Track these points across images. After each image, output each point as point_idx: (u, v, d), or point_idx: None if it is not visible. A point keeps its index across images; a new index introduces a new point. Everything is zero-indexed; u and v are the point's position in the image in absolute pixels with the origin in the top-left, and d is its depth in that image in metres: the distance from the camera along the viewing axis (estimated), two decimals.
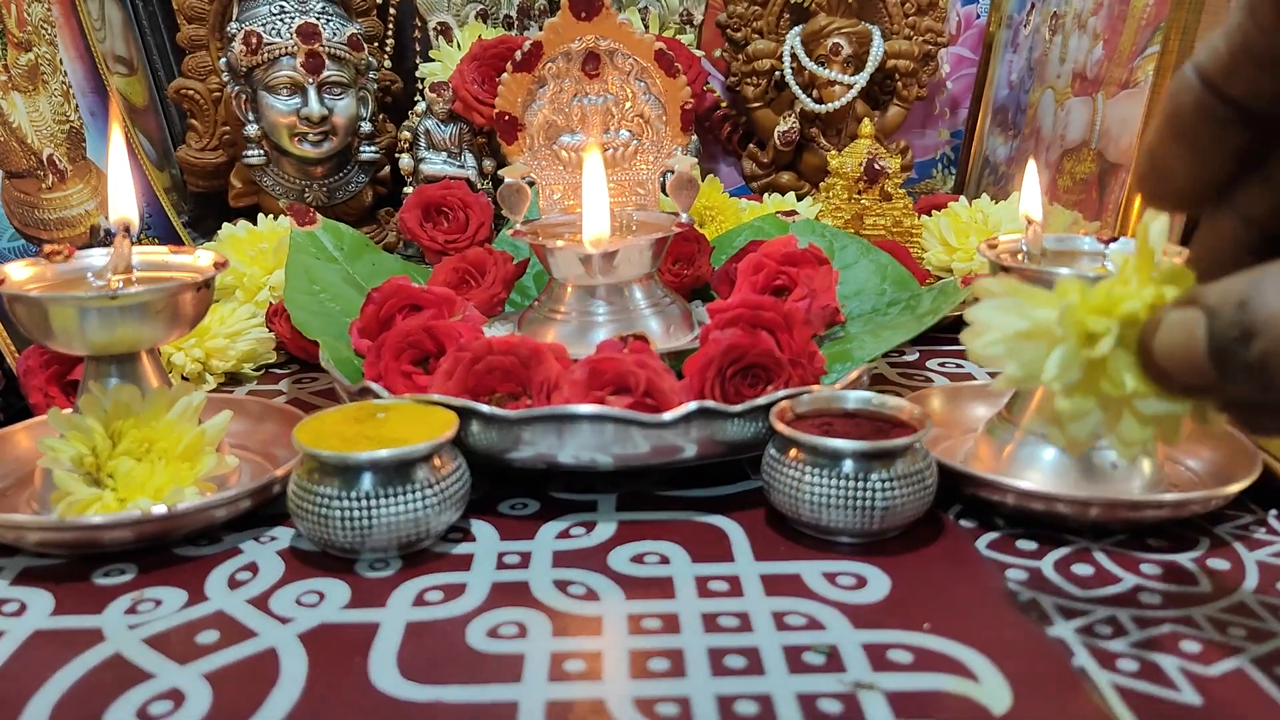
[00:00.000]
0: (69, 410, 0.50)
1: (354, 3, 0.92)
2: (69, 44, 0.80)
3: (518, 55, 0.64)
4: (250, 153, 0.86)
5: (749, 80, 0.96)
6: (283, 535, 0.49)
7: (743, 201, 0.85)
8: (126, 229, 0.53)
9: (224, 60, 0.85)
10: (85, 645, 0.40)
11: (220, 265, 0.52)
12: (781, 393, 0.51)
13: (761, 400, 0.50)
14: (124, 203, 0.53)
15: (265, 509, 0.50)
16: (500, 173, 0.61)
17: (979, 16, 1.04)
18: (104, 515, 0.45)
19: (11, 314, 0.48)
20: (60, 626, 0.41)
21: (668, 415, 0.49)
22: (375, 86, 0.90)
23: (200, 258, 0.53)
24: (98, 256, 0.53)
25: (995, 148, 0.94)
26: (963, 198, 0.85)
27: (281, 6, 0.84)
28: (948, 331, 0.77)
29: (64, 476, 0.46)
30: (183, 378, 0.68)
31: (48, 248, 0.52)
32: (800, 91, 0.94)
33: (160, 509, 0.45)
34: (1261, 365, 0.28)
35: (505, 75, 0.64)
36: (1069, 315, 0.34)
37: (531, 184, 0.64)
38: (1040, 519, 0.48)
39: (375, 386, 0.53)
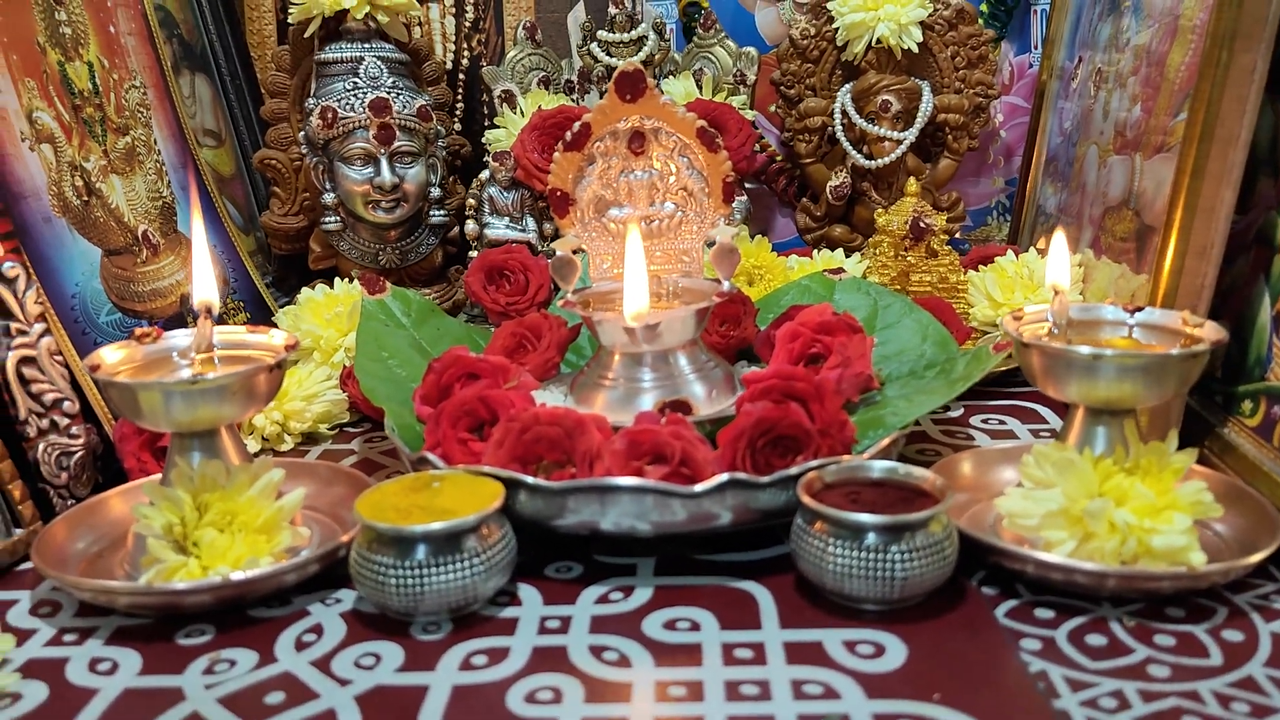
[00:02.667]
0: (158, 476, 0.55)
1: (424, 73, 0.98)
2: (162, 124, 0.86)
3: (568, 136, 0.68)
4: (328, 219, 0.92)
5: (801, 137, 0.99)
6: (346, 597, 0.53)
7: (791, 259, 0.88)
8: (209, 311, 0.58)
9: (303, 133, 0.91)
10: (168, 704, 0.45)
11: (291, 347, 0.56)
12: (811, 463, 0.54)
13: (791, 471, 0.53)
14: (206, 287, 0.58)
15: (332, 571, 0.55)
16: (552, 245, 0.65)
17: (1031, 66, 1.05)
18: (187, 581, 0.50)
19: (105, 396, 0.54)
20: (147, 685, 0.46)
21: (699, 487, 0.52)
22: (444, 153, 0.95)
23: (274, 336, 0.58)
24: (182, 337, 0.58)
25: (1047, 196, 0.95)
26: (1010, 251, 0.86)
27: (355, 82, 0.89)
28: (993, 386, 0.79)
29: (155, 544, 0.51)
30: (263, 438, 0.73)
31: (138, 331, 0.57)
32: (851, 148, 0.96)
33: (239, 575, 0.50)
34: None
35: (557, 154, 0.68)
36: (1070, 507, 0.50)
37: (581, 253, 0.68)
38: (1060, 588, 0.50)
39: (431, 457, 0.57)
